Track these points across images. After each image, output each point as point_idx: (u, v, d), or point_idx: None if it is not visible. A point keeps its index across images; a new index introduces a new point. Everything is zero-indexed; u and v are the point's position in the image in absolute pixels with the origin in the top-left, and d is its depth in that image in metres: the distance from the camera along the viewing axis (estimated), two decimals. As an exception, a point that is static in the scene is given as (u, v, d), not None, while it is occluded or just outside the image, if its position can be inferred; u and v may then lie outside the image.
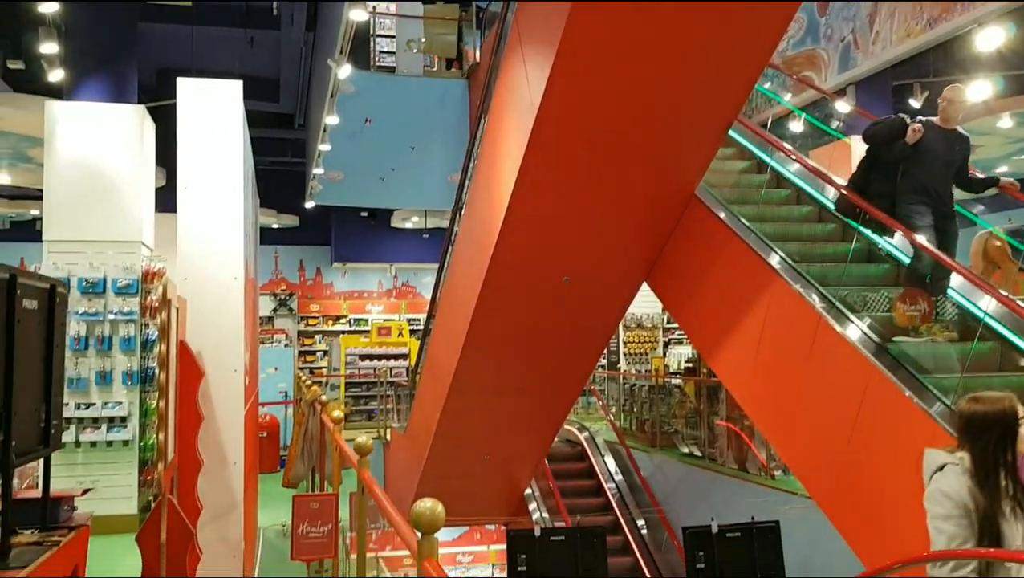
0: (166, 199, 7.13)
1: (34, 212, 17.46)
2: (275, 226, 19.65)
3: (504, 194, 6.29)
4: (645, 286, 7.33)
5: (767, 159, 7.49)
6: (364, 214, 20.37)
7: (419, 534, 2.02)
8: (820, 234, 6.67)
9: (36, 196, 10.24)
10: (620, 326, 17.30)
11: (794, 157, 7.32)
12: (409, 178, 14.57)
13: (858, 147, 9.99)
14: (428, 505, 2.02)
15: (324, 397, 7.86)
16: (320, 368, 20.17)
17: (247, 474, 5.48)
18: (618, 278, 7.24)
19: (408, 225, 20.30)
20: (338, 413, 5.21)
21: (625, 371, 16.57)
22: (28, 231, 17.14)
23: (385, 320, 20.35)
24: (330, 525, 4.75)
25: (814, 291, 5.31)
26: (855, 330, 4.97)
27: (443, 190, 13.15)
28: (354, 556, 4.64)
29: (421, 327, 13.81)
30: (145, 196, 8.84)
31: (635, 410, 11.98)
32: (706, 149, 6.11)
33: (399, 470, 12.05)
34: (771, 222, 6.41)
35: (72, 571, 2.76)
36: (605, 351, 16.89)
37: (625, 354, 17.79)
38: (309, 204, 17.28)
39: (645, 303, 16.44)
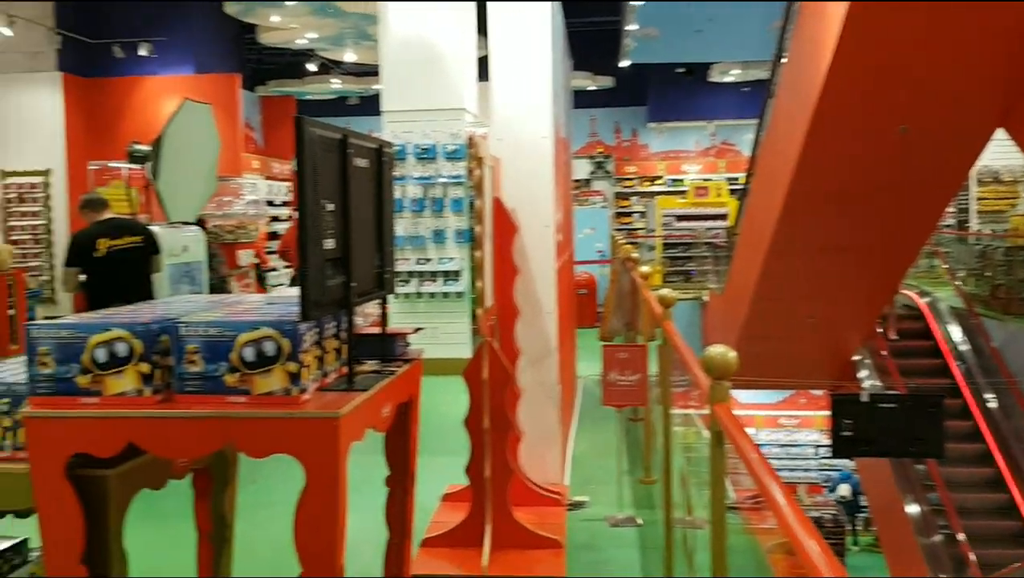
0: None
1: (377, 87, 19.14)
2: (591, 88, 19.72)
3: (831, 35, 5.69)
4: (1004, 134, 6.37)
5: None
6: (680, 70, 19.73)
7: (710, 379, 1.99)
8: None
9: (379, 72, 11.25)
10: (973, 180, 15.39)
11: None
12: (727, 29, 13.77)
13: None
14: (720, 350, 1.98)
15: (635, 254, 7.95)
16: (637, 229, 20.39)
17: (561, 324, 5.78)
18: (965, 125, 6.33)
19: (728, 79, 19.34)
20: (646, 268, 5.25)
21: (977, 231, 14.78)
22: (376, 105, 18.83)
23: (704, 180, 19.89)
24: (639, 375, 4.89)
25: None
26: None
27: (764, 40, 12.26)
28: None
29: (740, 187, 13.33)
30: (467, 64, 9.29)
31: (987, 274, 10.69)
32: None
33: (717, 331, 12.00)
34: None
35: (407, 398, 3.11)
36: (952, 208, 15.17)
37: (978, 212, 15.82)
38: (623, 63, 17.06)
39: (1004, 153, 14.36)
